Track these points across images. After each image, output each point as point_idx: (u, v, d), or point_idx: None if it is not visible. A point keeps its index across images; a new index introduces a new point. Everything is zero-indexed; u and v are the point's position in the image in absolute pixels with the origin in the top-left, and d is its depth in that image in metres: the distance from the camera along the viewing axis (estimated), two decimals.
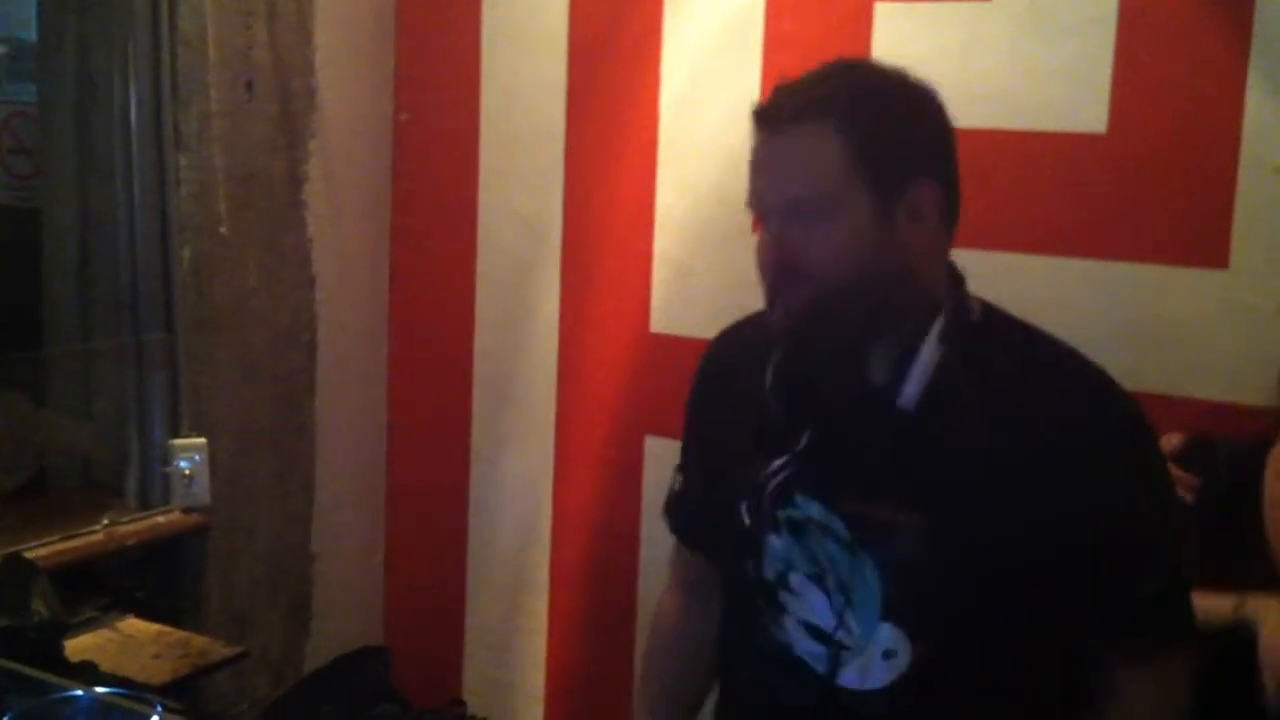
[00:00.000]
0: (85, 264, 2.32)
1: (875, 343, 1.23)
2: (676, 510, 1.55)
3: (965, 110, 2.06)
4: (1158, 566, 1.26)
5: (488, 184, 2.54)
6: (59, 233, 2.34)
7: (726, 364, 1.46)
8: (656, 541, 2.40)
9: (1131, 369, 2.00)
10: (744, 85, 2.23)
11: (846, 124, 1.18)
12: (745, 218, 2.25)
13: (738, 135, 2.23)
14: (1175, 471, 1.58)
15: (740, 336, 1.46)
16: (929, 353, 1.20)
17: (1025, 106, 2.01)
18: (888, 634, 1.24)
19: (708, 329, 2.30)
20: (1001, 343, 1.28)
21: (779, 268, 1.22)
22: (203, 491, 2.29)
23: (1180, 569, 1.30)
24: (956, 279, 1.29)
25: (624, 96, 2.37)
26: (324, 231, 2.51)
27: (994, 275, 2.08)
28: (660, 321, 2.38)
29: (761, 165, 1.25)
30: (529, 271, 2.51)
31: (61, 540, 2.11)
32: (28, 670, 1.31)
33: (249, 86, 2.32)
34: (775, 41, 2.22)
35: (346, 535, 2.68)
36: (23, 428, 2.38)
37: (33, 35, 2.74)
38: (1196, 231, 1.92)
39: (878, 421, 1.22)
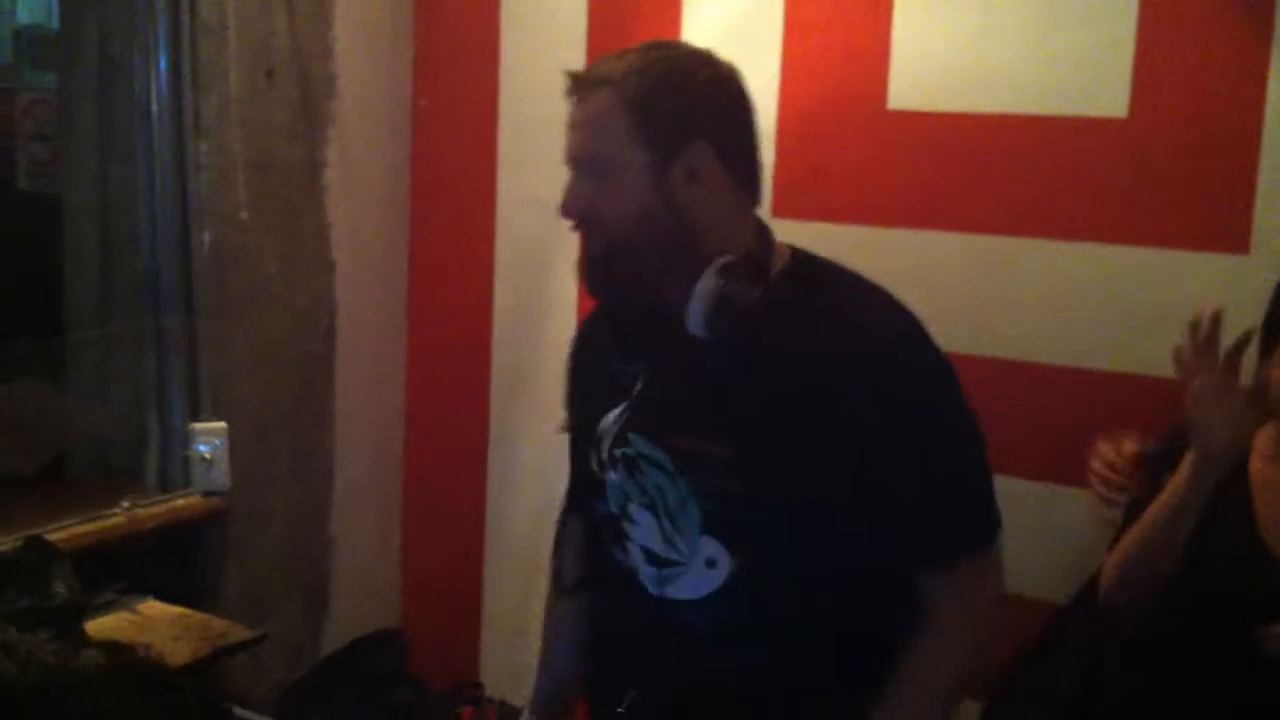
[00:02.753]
0: (105, 250, 2.33)
1: (671, 289, 1.32)
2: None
3: (985, 95, 2.10)
4: (952, 479, 1.35)
5: (506, 170, 2.55)
6: (79, 219, 2.35)
7: (585, 344, 1.59)
8: None
9: (1152, 355, 1.99)
10: (763, 72, 2.23)
11: (626, 92, 1.32)
12: (762, 203, 2.28)
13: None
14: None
15: (595, 320, 1.57)
16: (708, 281, 1.29)
17: (1046, 91, 2.01)
18: (708, 545, 1.36)
19: None
20: (806, 284, 1.37)
21: (574, 217, 1.37)
22: (222, 476, 2.30)
23: (978, 478, 1.37)
24: (764, 236, 1.39)
25: None
26: (343, 217, 2.51)
27: (1015, 259, 2.10)
28: None
29: (568, 125, 1.39)
30: (547, 258, 2.51)
31: (82, 523, 2.12)
32: None
33: (269, 73, 2.32)
34: (795, 28, 2.21)
35: (364, 520, 2.69)
36: (43, 412, 2.39)
37: (54, 22, 2.76)
38: (1218, 216, 1.92)
39: (682, 356, 1.34)
